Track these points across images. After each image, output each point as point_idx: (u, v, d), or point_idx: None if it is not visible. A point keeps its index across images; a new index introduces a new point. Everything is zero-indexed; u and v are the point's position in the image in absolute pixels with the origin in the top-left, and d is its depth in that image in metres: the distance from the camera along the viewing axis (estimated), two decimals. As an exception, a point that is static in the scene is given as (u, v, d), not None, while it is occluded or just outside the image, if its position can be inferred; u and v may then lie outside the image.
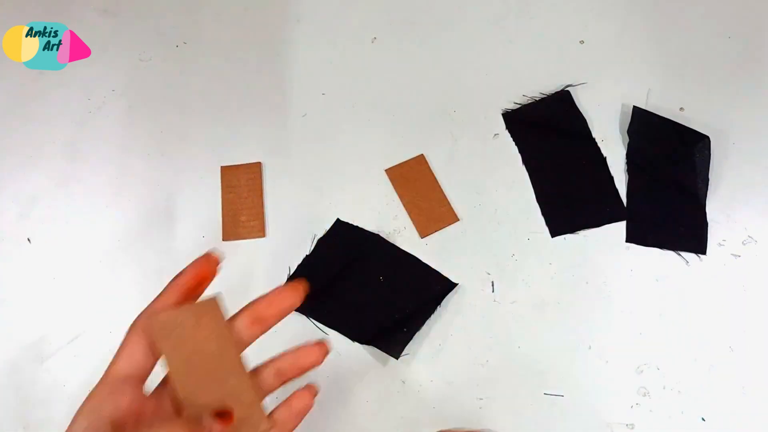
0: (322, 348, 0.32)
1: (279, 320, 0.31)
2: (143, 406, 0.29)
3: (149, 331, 0.30)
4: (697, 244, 0.50)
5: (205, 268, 0.32)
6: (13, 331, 0.51)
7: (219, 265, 0.31)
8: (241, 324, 0.31)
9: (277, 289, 0.31)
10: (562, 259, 0.51)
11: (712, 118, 0.54)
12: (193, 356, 0.30)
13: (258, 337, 0.32)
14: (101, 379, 0.30)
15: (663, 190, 0.52)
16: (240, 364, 0.31)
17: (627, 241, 0.51)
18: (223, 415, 0.28)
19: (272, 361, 0.32)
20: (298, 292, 0.31)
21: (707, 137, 0.52)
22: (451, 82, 0.57)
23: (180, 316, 0.30)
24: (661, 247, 0.50)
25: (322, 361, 0.32)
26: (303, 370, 0.32)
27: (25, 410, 0.48)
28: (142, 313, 0.31)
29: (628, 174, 0.53)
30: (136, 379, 0.30)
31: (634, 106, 0.54)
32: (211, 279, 0.32)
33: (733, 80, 0.56)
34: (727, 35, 0.58)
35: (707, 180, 0.52)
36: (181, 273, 0.32)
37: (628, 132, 0.53)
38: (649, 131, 0.53)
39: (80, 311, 0.51)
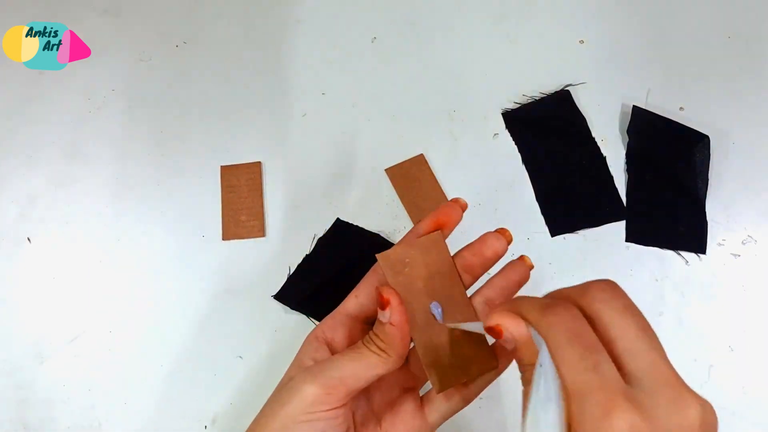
0: (505, 234, 0.34)
1: (495, 260, 0.34)
2: (357, 338, 0.33)
3: (380, 269, 0.33)
4: (697, 244, 0.50)
5: (448, 213, 0.34)
6: (12, 330, 0.51)
7: (463, 212, 0.34)
8: (464, 259, 0.34)
9: (486, 234, 0.34)
10: (562, 259, 0.51)
11: (712, 118, 0.54)
12: (422, 291, 0.32)
13: (478, 276, 0.34)
14: (332, 312, 0.35)
15: (663, 190, 0.52)
16: (465, 294, 0.33)
17: (627, 240, 0.51)
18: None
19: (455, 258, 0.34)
20: (506, 237, 0.34)
21: (707, 137, 0.52)
22: (451, 82, 0.57)
23: (409, 252, 0.33)
24: (661, 246, 0.50)
25: (505, 250, 0.34)
26: (487, 262, 0.34)
27: (25, 410, 0.48)
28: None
29: (628, 173, 0.53)
30: (358, 319, 0.34)
31: (634, 106, 0.54)
32: (454, 226, 0.34)
33: (734, 80, 0.56)
34: (727, 35, 0.58)
35: (707, 180, 0.52)
36: (423, 220, 0.34)
37: (628, 131, 0.53)
38: (648, 131, 0.53)
39: (80, 311, 0.51)
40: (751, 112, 0.55)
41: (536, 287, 0.50)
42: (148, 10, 0.62)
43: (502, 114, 0.55)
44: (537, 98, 0.56)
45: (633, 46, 0.58)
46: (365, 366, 0.31)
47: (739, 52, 0.57)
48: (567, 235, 0.51)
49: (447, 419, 0.34)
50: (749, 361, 0.47)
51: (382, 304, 0.31)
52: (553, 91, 0.56)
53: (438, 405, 0.34)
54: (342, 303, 0.35)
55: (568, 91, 0.55)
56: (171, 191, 0.54)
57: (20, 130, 0.57)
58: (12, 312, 0.51)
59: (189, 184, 0.55)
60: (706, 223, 0.51)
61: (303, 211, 0.53)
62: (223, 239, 0.52)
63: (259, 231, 0.52)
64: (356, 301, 0.34)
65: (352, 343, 0.34)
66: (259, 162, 0.54)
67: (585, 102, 0.55)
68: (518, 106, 0.56)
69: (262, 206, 0.53)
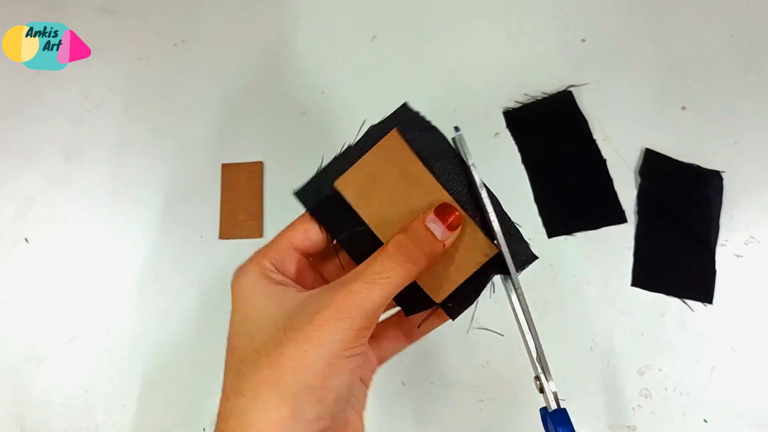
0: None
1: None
2: (305, 274, 0.32)
3: (342, 193, 0.31)
4: (704, 293, 0.49)
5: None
6: (10, 332, 0.50)
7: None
8: None
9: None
10: (563, 259, 0.50)
11: (714, 117, 0.54)
12: (388, 194, 0.30)
13: None
14: (273, 242, 0.32)
15: (673, 236, 0.51)
16: (442, 189, 0.32)
17: (632, 285, 0.50)
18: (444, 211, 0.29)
19: None
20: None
21: (720, 177, 0.51)
22: (451, 81, 0.57)
23: (370, 168, 0.31)
24: (667, 293, 0.49)
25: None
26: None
27: (23, 411, 0.48)
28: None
29: (638, 216, 0.51)
30: (303, 253, 0.32)
31: (647, 149, 0.52)
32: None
33: (736, 79, 0.56)
34: (730, 34, 0.57)
35: (718, 227, 0.50)
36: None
37: (640, 173, 0.52)
38: (661, 174, 0.52)
39: (77, 312, 0.51)
40: (754, 111, 0.54)
41: (536, 288, 0.50)
42: (146, 8, 0.62)
43: (503, 113, 0.55)
44: (539, 98, 0.55)
45: (635, 45, 0.57)
46: (392, 287, 0.28)
47: (741, 52, 0.57)
48: (568, 236, 0.51)
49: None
50: (751, 363, 0.47)
51: (452, 225, 0.30)
52: (554, 91, 0.55)
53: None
54: (285, 234, 0.33)
55: (569, 91, 0.55)
56: (169, 191, 0.54)
57: (17, 130, 0.57)
58: (9, 313, 0.51)
59: (187, 184, 0.54)
60: (714, 272, 0.49)
61: (301, 211, 0.53)
62: (219, 237, 0.52)
63: (257, 231, 0.52)
64: (305, 235, 0.32)
65: (301, 279, 0.31)
66: (261, 162, 0.54)
67: (586, 102, 0.55)
68: (520, 105, 0.55)
69: (260, 206, 0.53)
